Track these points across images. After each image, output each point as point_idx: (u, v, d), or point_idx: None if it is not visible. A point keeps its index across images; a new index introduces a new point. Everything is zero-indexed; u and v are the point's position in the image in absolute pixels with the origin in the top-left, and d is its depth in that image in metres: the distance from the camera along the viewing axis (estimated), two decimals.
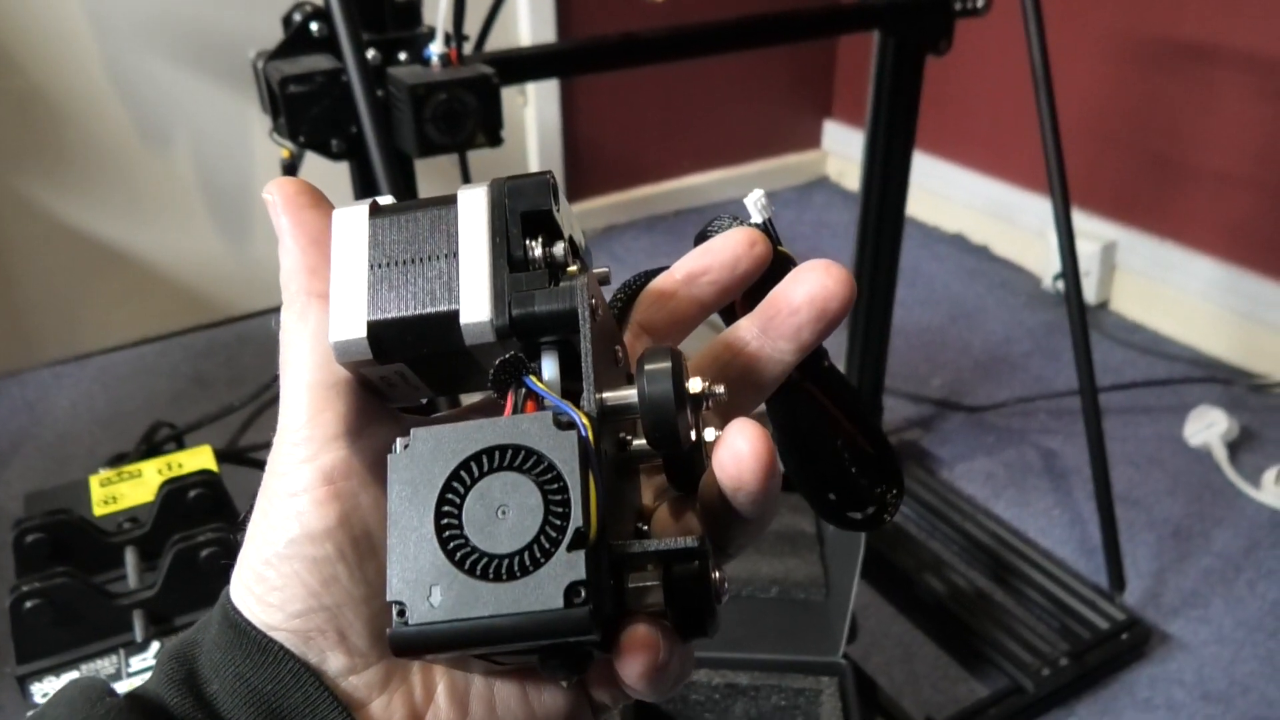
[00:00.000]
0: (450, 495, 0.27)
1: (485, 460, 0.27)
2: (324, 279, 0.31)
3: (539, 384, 0.29)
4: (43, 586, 1.01)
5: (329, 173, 1.17)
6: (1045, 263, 2.34)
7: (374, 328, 0.29)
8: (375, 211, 0.31)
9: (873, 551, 1.45)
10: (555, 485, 0.26)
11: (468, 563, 0.26)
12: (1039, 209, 2.33)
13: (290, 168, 1.10)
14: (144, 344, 2.20)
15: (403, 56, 0.97)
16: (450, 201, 0.31)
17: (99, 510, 1.21)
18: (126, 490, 1.24)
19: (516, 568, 0.26)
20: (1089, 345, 1.36)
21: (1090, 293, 2.25)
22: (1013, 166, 2.47)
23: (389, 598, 0.26)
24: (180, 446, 1.57)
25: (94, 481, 1.26)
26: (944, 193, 2.62)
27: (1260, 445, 1.80)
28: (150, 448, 1.53)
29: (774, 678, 1.07)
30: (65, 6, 1.92)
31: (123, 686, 0.95)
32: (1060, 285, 2.23)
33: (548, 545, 0.26)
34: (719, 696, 1.08)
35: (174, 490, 1.16)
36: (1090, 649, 1.34)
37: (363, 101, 0.91)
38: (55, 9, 1.92)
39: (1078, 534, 1.60)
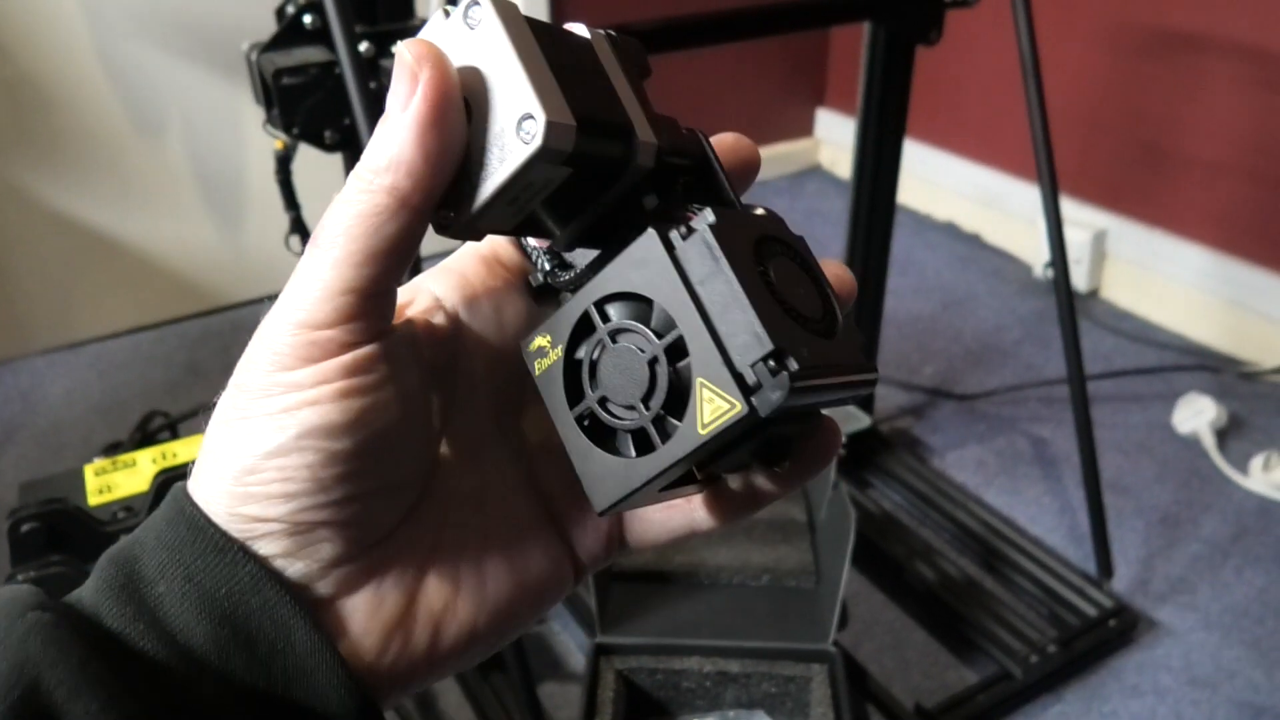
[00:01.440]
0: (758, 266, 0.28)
1: (772, 245, 0.30)
2: (424, 193, 0.28)
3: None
4: (38, 576, 1.02)
5: (323, 163, 1.18)
6: (1036, 250, 2.35)
7: (582, 122, 0.27)
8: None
9: (864, 539, 1.46)
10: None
11: (802, 321, 0.28)
12: (1030, 197, 2.33)
13: (284, 158, 1.11)
14: (138, 332, 2.20)
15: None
16: (567, 32, 0.30)
17: (94, 500, 1.21)
18: (121, 479, 1.25)
19: (827, 328, 0.29)
20: (1078, 334, 1.37)
21: (1080, 281, 2.26)
22: (1004, 154, 2.47)
23: (759, 353, 0.26)
24: (174, 435, 1.57)
25: (89, 471, 1.26)
26: (935, 180, 2.62)
27: (1248, 433, 1.81)
28: (145, 437, 1.54)
29: (765, 665, 1.08)
30: None
31: None
32: (1051, 273, 2.24)
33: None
34: (710, 684, 1.09)
35: (168, 480, 1.16)
36: (1078, 635, 1.35)
37: (356, 94, 0.92)
38: None
39: (1067, 521, 1.61)
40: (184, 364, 2.08)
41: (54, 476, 1.30)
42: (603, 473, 0.29)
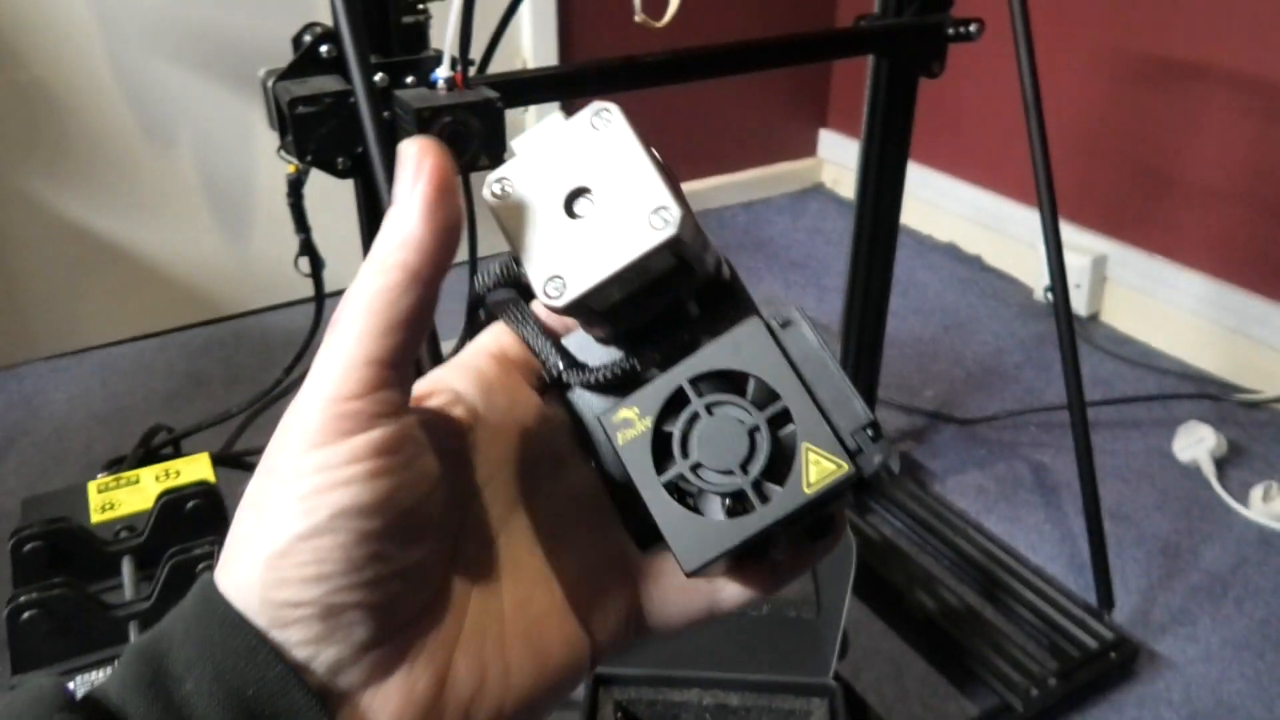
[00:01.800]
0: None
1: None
2: (433, 267, 0.30)
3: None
4: (40, 597, 1.02)
5: (334, 189, 1.18)
6: (1037, 273, 2.35)
7: (687, 223, 0.31)
8: None
9: (864, 566, 1.46)
10: None
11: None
12: (1031, 220, 2.33)
13: (296, 182, 1.11)
14: (142, 340, 2.20)
15: (409, 79, 0.97)
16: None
17: (96, 517, 1.22)
18: (124, 497, 1.25)
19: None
20: (1078, 363, 1.37)
21: (1081, 305, 2.26)
22: (1005, 178, 2.48)
23: (861, 422, 0.30)
24: (178, 451, 1.58)
25: (92, 488, 1.26)
26: (937, 202, 2.63)
27: (1248, 461, 1.82)
28: (148, 452, 1.54)
29: (764, 698, 1.08)
30: (71, 1, 1.92)
31: None
32: (1051, 296, 2.25)
33: None
34: (709, 717, 1.09)
35: (171, 500, 1.16)
36: (1079, 668, 1.35)
37: (369, 123, 0.92)
38: (60, 3, 1.92)
39: (1068, 550, 1.61)
40: (186, 373, 2.09)
41: (56, 493, 1.30)
42: (694, 534, 0.30)
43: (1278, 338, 1.99)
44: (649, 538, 0.35)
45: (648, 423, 0.31)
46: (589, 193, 0.31)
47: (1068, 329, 1.36)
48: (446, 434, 0.33)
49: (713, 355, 0.31)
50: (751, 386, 0.31)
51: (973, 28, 1.34)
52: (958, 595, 1.48)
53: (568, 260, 0.31)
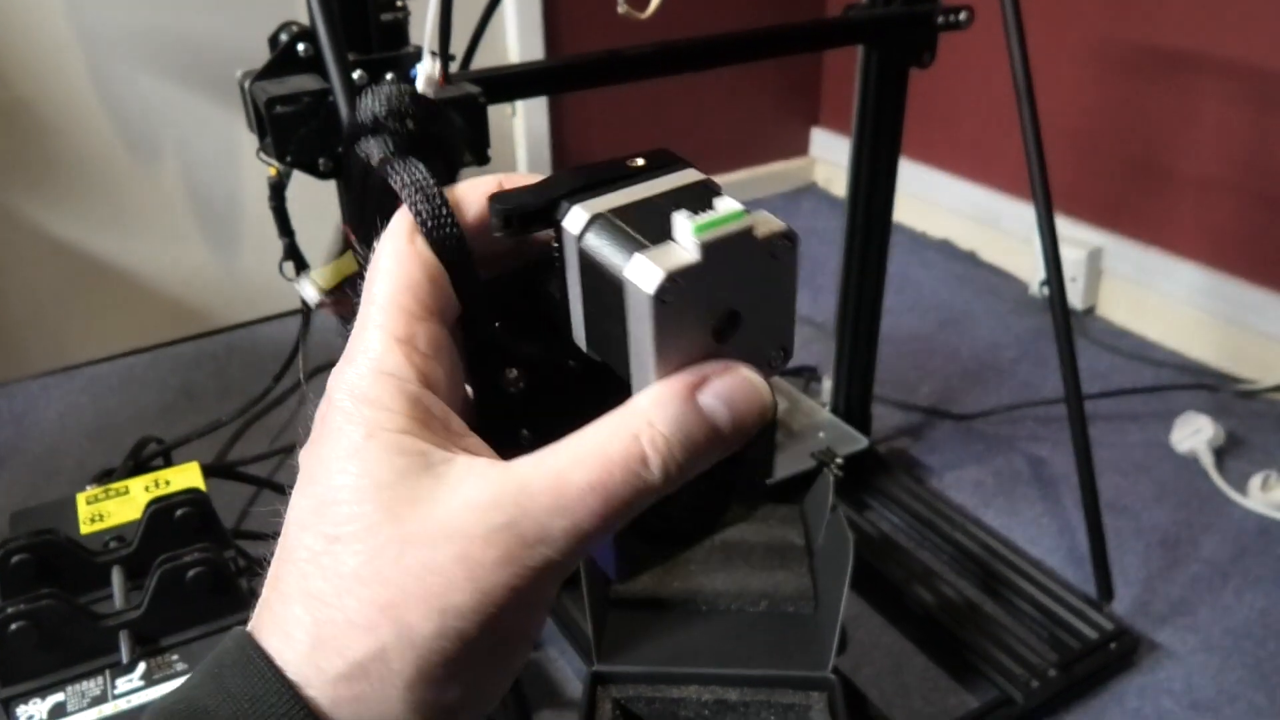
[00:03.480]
0: None
1: None
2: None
3: None
4: (28, 609, 1.01)
5: (316, 190, 1.17)
6: (1032, 268, 2.35)
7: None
8: None
9: (862, 562, 1.45)
10: None
11: None
12: (1025, 215, 2.34)
13: (278, 185, 1.10)
14: (132, 355, 2.19)
15: (389, 77, 0.97)
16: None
17: (85, 529, 1.20)
18: (113, 508, 1.24)
19: None
20: (1074, 355, 1.36)
21: (1077, 298, 2.26)
22: (999, 173, 2.47)
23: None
24: (168, 462, 1.57)
25: (81, 499, 1.25)
26: (931, 199, 2.63)
27: (1247, 451, 1.81)
28: (138, 464, 1.53)
29: (764, 693, 1.06)
30: (52, 19, 1.92)
31: (109, 709, 0.94)
32: (1047, 291, 2.24)
33: None
34: (708, 713, 1.08)
35: (160, 509, 1.15)
36: (1079, 659, 1.34)
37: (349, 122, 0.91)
38: (42, 21, 1.91)
39: (1066, 542, 1.60)
40: (177, 387, 2.07)
41: (45, 505, 1.29)
42: None
43: (1274, 327, 1.98)
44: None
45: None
46: (740, 321, 0.30)
47: (1064, 323, 1.35)
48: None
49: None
50: None
51: (962, 16, 1.33)
52: (957, 589, 1.47)
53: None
